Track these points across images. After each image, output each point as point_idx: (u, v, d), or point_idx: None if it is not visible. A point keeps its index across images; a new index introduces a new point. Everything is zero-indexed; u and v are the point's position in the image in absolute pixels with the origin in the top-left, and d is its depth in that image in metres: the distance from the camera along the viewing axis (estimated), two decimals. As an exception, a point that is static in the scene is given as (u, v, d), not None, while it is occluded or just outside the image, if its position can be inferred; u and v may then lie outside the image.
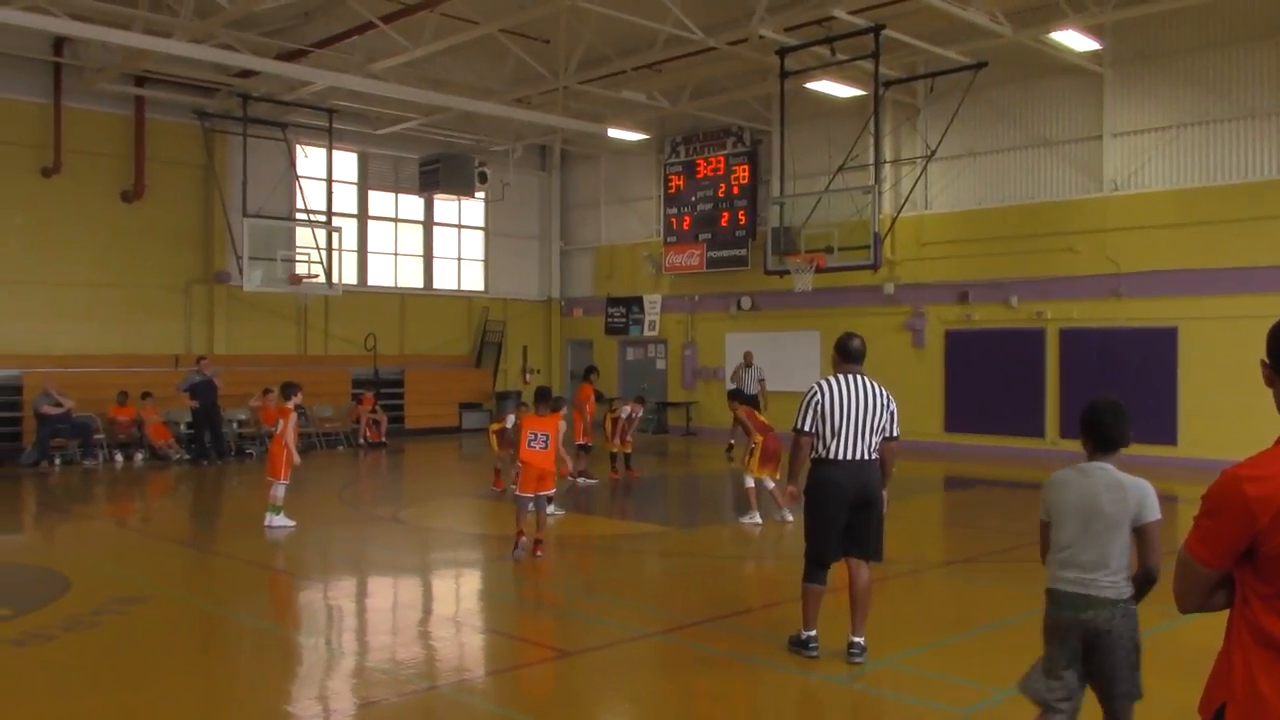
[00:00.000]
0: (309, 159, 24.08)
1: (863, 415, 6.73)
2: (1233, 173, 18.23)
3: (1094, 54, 19.08)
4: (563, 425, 10.75)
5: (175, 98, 22.03)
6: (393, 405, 24.75)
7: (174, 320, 22.66)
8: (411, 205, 27.04)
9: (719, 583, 9.97)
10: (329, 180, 23.86)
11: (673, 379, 27.06)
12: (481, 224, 28.62)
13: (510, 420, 14.13)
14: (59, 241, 20.92)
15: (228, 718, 6.19)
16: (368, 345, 24.50)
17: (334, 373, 24.08)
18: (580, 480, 15.84)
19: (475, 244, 28.68)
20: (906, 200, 21.11)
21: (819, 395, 6.78)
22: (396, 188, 26.72)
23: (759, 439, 12.55)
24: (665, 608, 8.76)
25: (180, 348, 22.46)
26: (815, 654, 6.91)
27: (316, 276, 22.75)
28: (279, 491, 12.26)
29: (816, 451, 6.83)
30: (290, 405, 12.50)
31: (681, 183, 26.10)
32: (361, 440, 22.72)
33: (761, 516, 12.51)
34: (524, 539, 10.36)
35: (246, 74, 20.77)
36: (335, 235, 23.24)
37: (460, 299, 27.96)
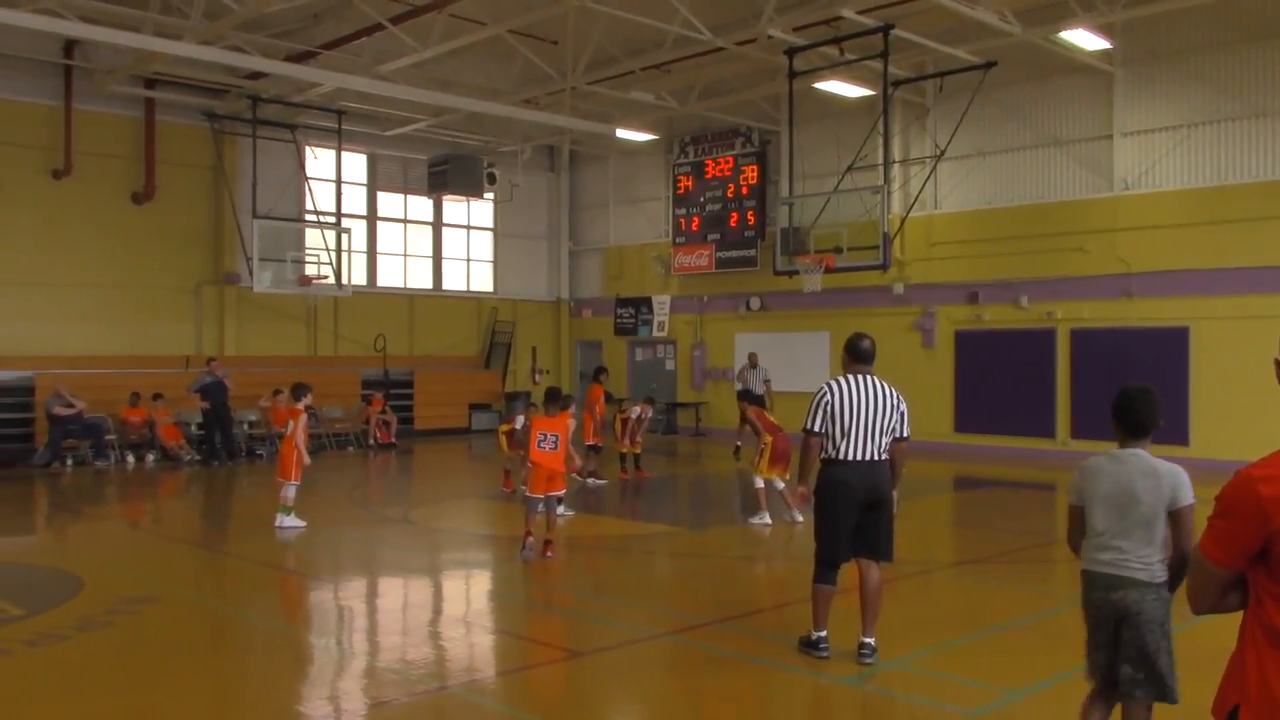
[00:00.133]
0: (318, 160, 24.13)
1: (873, 416, 6.72)
2: (1244, 172, 18.13)
3: (1104, 53, 19.01)
4: (571, 423, 10.72)
5: (185, 100, 22.08)
6: (402, 406, 24.76)
7: (184, 321, 22.69)
8: (420, 206, 27.03)
9: (729, 583, 9.95)
10: (338, 181, 23.88)
11: (682, 379, 27.02)
12: (490, 225, 28.61)
13: (520, 421, 14.13)
14: (70, 243, 20.97)
15: (239, 718, 6.18)
16: (377, 346, 24.52)
17: (343, 374, 24.10)
18: (590, 481, 15.83)
19: (484, 245, 28.68)
20: (916, 200, 21.06)
21: (829, 395, 6.78)
22: (405, 189, 26.72)
23: (768, 439, 12.50)
24: (675, 608, 8.75)
25: (190, 349, 22.48)
26: (825, 655, 6.89)
27: (326, 278, 22.81)
28: (289, 492, 12.26)
29: (826, 452, 6.82)
30: (300, 406, 12.49)
31: (690, 183, 26.07)
32: (371, 441, 22.73)
33: (771, 517, 12.47)
34: (531, 539, 10.36)
35: (256, 76, 20.84)
36: (344, 236, 23.32)
37: (469, 300, 27.96)
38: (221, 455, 19.70)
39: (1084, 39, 17.90)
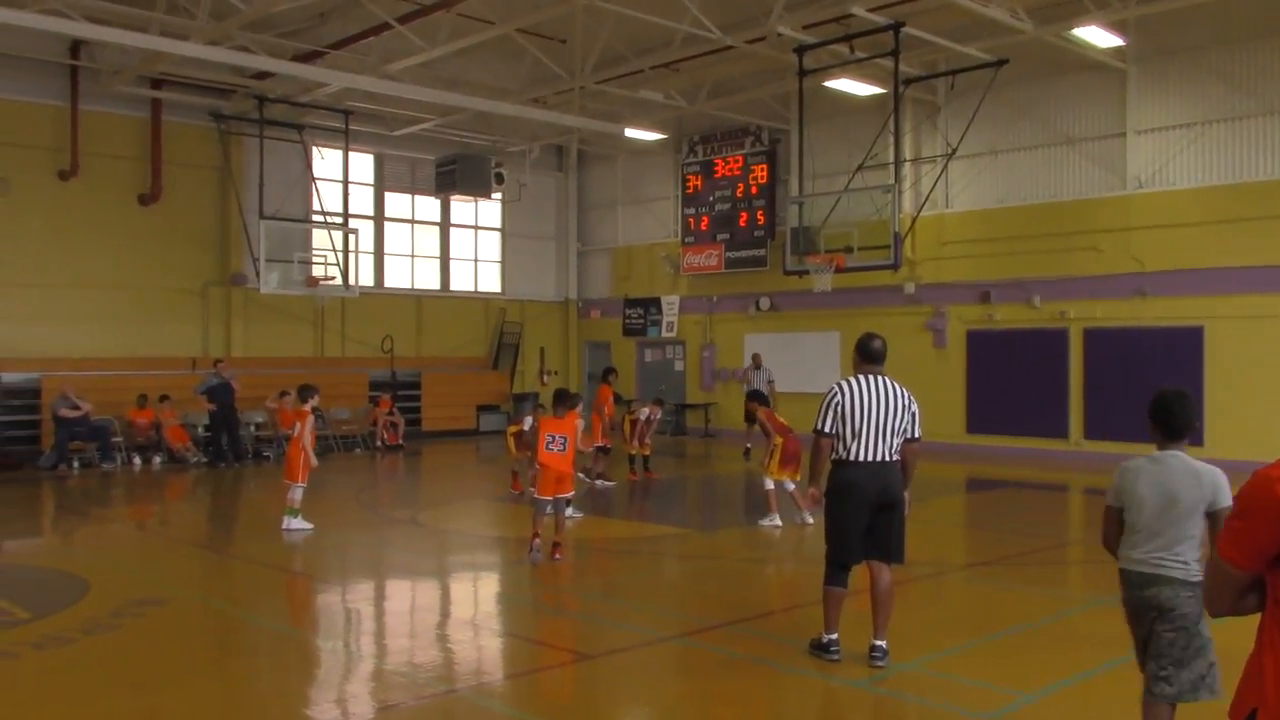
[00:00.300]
0: (325, 160, 24.08)
1: (884, 416, 6.69)
2: (1259, 169, 18.00)
3: (1117, 50, 18.88)
4: (580, 423, 10.68)
5: (191, 100, 22.05)
6: (410, 407, 24.70)
7: (191, 323, 22.67)
8: (428, 206, 26.96)
9: (739, 586, 9.90)
10: (345, 182, 23.86)
11: (691, 380, 26.93)
12: (498, 225, 28.55)
13: (528, 422, 14.06)
14: (76, 244, 20.94)
15: (245, 722, 6.16)
16: (384, 347, 24.44)
17: (351, 375, 24.06)
18: (598, 482, 15.81)
19: (492, 245, 28.61)
20: (927, 199, 20.92)
21: (839, 396, 6.74)
22: (413, 189, 26.68)
23: (778, 441, 12.42)
24: (684, 611, 8.72)
25: (197, 350, 22.47)
26: (836, 657, 6.86)
27: (333, 278, 22.71)
28: (296, 494, 12.22)
29: (837, 453, 6.79)
30: (307, 408, 12.46)
31: (699, 183, 25.98)
32: (379, 443, 22.68)
33: (781, 519, 12.40)
34: (539, 541, 10.31)
35: (262, 76, 20.79)
36: (352, 237, 23.19)
37: (477, 300, 27.90)
38: (228, 457, 19.66)
39: (1097, 36, 17.76)
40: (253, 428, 21.20)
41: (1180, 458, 4.57)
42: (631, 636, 7.81)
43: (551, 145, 28.03)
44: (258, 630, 8.33)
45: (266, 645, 7.95)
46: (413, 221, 27.00)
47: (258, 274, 21.61)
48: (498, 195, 26.04)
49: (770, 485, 12.51)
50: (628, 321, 28.22)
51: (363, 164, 25.62)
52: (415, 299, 26.56)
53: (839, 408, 6.71)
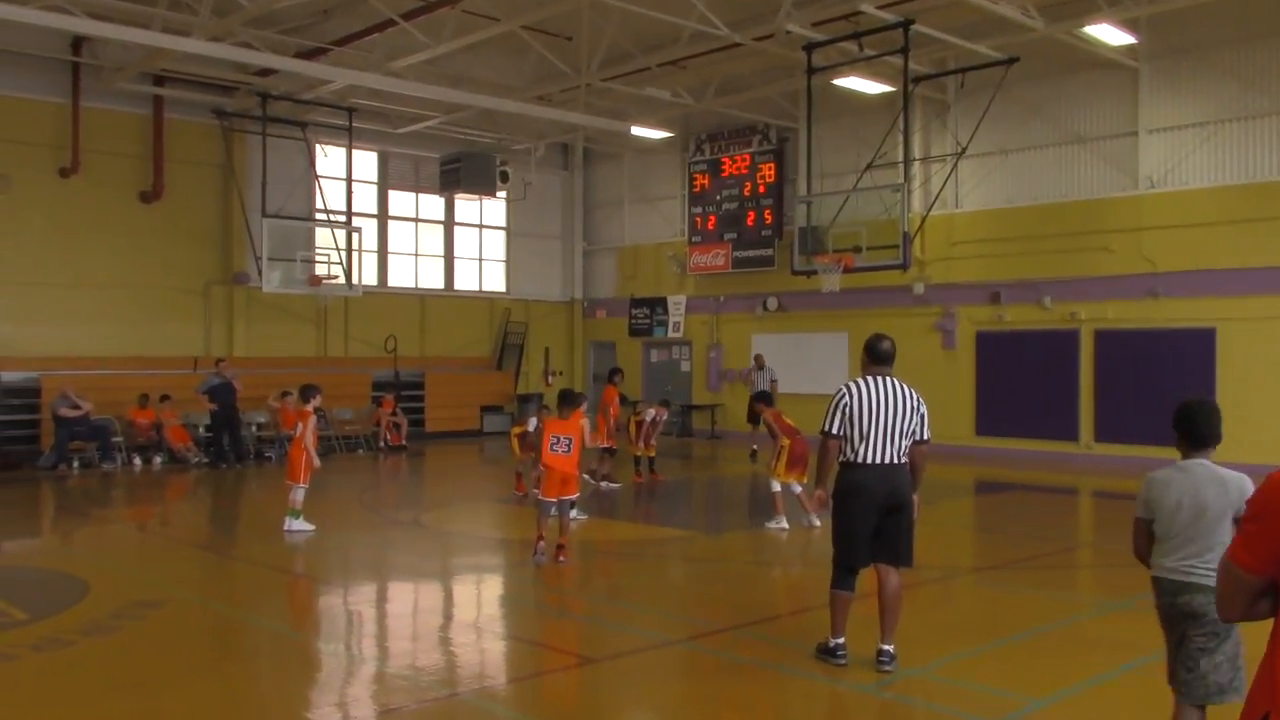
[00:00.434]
0: (328, 158, 23.97)
1: (892, 418, 6.67)
2: (1273, 169, 17.83)
3: (1129, 48, 18.73)
4: (585, 423, 10.62)
5: (194, 97, 21.95)
6: (413, 408, 24.65)
7: (192, 322, 22.57)
8: (432, 205, 26.86)
9: (745, 589, 9.84)
10: (349, 180, 23.69)
11: (697, 381, 26.82)
12: (503, 224, 28.44)
13: (532, 423, 14.06)
14: (77, 242, 20.85)
15: (246, 726, 6.15)
16: (388, 347, 24.34)
17: (354, 375, 23.97)
18: (603, 484, 15.77)
19: (497, 244, 28.50)
20: (936, 199, 20.84)
21: (847, 397, 6.72)
22: (417, 187, 26.58)
23: (785, 442, 12.35)
24: (690, 614, 8.68)
25: (199, 350, 22.38)
26: (843, 662, 6.83)
27: (336, 277, 22.65)
28: (298, 495, 12.18)
29: (845, 455, 6.77)
30: (309, 408, 12.45)
31: (706, 181, 25.88)
32: (382, 443, 22.62)
33: (788, 521, 12.32)
34: (544, 543, 10.29)
35: (266, 72, 20.71)
36: (355, 236, 23.14)
37: (481, 300, 27.79)
38: (230, 458, 19.60)
39: (1108, 34, 17.63)
40: (254, 428, 21.13)
41: (1206, 466, 4.65)
42: (636, 640, 7.78)
43: (557, 143, 27.90)
44: (258, 632, 8.30)
45: (267, 648, 7.92)
46: (417, 220, 26.89)
47: (260, 273, 21.53)
48: (502, 194, 26.22)
49: (777, 487, 12.43)
50: (633, 321, 28.09)
51: (366, 162, 25.51)
52: (419, 298, 26.45)
53: (847, 409, 6.69)
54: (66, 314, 20.64)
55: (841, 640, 6.85)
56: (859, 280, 20.13)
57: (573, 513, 10.87)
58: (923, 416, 6.78)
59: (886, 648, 6.75)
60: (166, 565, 10.85)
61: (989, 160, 21.05)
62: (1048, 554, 11.42)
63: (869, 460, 6.65)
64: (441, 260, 27.36)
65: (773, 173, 24.56)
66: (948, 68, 20.19)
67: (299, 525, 12.11)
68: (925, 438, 6.81)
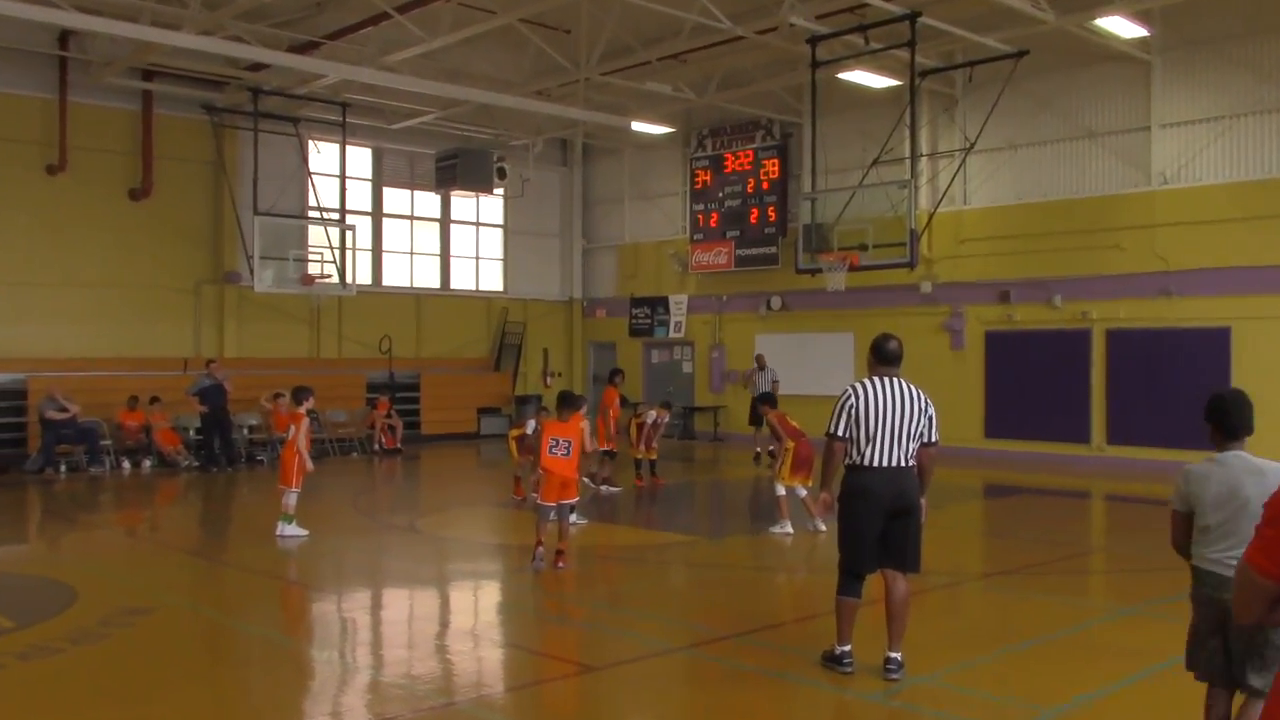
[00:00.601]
0: (322, 155, 23.73)
1: (899, 420, 6.62)
2: (1290, 164, 17.68)
3: (1141, 41, 18.54)
4: (585, 426, 10.55)
5: (184, 92, 21.75)
6: (408, 410, 24.47)
7: (183, 322, 22.42)
8: (428, 202, 26.69)
9: (748, 595, 9.82)
10: (342, 177, 23.53)
11: (699, 382, 26.67)
12: (500, 221, 28.25)
13: (531, 426, 14.08)
14: (64, 241, 20.68)
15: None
16: (383, 348, 24.18)
17: (348, 376, 23.84)
18: (603, 488, 15.73)
19: (494, 242, 28.28)
20: (944, 195, 20.60)
21: (853, 399, 6.67)
22: (412, 184, 26.39)
23: (790, 445, 12.29)
24: (692, 621, 8.66)
25: (189, 350, 22.22)
26: (849, 670, 6.79)
27: (330, 276, 22.50)
28: (291, 499, 12.14)
29: (851, 458, 6.71)
30: (302, 410, 12.44)
31: (708, 178, 25.69)
32: (376, 446, 22.52)
33: (793, 526, 12.24)
34: (542, 548, 10.25)
35: (257, 67, 20.55)
36: (349, 234, 22.96)
37: (478, 299, 27.59)
38: (221, 461, 19.50)
39: (1120, 26, 17.40)
40: (246, 430, 21.00)
41: (1242, 457, 4.71)
42: (637, 647, 7.77)
43: (555, 139, 27.69)
44: (250, 640, 8.28)
45: (259, 655, 7.90)
46: (412, 218, 26.69)
47: (252, 272, 21.37)
48: (500, 191, 26.24)
49: (781, 491, 12.39)
50: (634, 321, 27.89)
51: (360, 158, 25.31)
52: (414, 298, 26.26)
53: (853, 411, 6.63)
54: (54, 314, 20.47)
55: (848, 648, 6.81)
56: (865, 279, 19.97)
57: (572, 517, 10.87)
58: (931, 418, 6.71)
59: (894, 655, 6.69)
60: (156, 571, 10.88)
61: (998, 156, 20.88)
62: (1058, 559, 11.37)
63: (876, 463, 6.59)
64: (437, 259, 27.17)
65: (776, 169, 24.37)
66: (955, 61, 20.03)
67: (291, 530, 12.05)
68: (933, 440, 6.75)
